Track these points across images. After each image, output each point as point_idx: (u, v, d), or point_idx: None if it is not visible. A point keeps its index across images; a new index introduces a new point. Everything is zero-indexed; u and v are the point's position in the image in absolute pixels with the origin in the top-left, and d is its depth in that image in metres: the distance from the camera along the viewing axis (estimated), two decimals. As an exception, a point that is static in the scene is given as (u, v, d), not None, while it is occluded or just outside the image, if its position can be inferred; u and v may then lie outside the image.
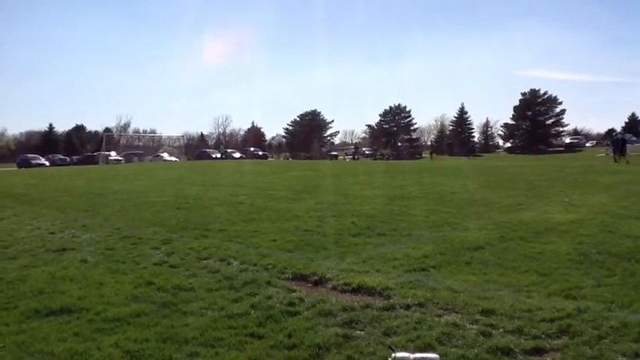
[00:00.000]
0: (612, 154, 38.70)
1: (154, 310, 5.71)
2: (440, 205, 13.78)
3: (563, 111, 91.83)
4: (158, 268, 7.55)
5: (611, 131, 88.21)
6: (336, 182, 22.22)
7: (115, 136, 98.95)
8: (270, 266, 7.43)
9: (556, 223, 10.51)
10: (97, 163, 63.52)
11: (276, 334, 4.93)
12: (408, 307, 5.69)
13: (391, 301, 5.88)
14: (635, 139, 75.08)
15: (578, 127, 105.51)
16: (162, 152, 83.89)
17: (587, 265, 7.26)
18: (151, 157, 77.53)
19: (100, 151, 73.10)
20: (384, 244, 8.91)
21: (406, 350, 4.49)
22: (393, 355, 4.34)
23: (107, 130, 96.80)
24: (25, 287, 6.68)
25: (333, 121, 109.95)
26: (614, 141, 42.18)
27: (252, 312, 5.58)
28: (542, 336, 4.84)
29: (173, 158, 76.54)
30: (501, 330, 5.01)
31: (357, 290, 6.34)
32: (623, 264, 7.22)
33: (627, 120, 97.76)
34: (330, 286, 6.58)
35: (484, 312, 5.46)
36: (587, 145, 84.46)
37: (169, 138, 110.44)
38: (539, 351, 4.56)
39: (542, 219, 11.16)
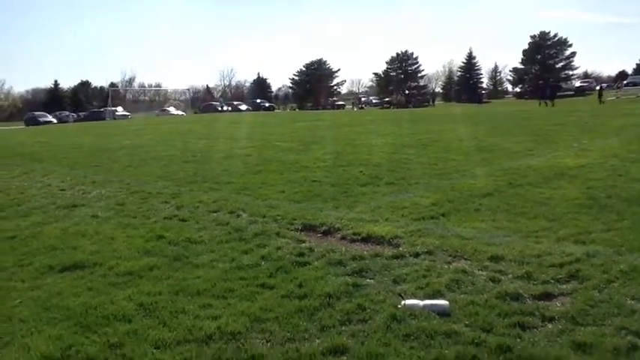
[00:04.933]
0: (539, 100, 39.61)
1: (166, 263, 5.77)
2: (448, 152, 13.71)
3: (573, 54, 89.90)
4: (168, 222, 7.61)
5: (622, 74, 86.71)
6: (343, 132, 22.11)
7: (121, 91, 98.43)
8: (279, 217, 7.46)
9: (565, 168, 10.45)
10: (103, 119, 63.43)
11: (287, 285, 4.98)
12: (417, 255, 5.72)
13: (400, 249, 5.91)
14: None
15: (588, 71, 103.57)
16: (169, 106, 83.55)
17: (596, 209, 7.24)
18: (157, 111, 77.22)
19: (106, 106, 72.85)
20: (393, 193, 8.91)
21: (416, 297, 4.54)
22: (403, 302, 4.40)
23: (112, 85, 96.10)
24: (38, 244, 6.76)
25: (339, 70, 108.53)
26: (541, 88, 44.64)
27: (263, 263, 5.63)
28: (551, 281, 4.87)
29: (179, 112, 76.25)
30: (510, 276, 5.04)
31: (367, 239, 6.37)
32: (633, 208, 7.20)
33: (638, 62, 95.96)
34: (339, 235, 6.62)
35: (493, 258, 5.48)
36: (597, 88, 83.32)
37: (175, 92, 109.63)
38: (547, 296, 4.59)
39: (552, 164, 11.09)
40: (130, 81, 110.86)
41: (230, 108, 76.54)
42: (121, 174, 12.51)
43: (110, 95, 76.76)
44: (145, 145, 19.40)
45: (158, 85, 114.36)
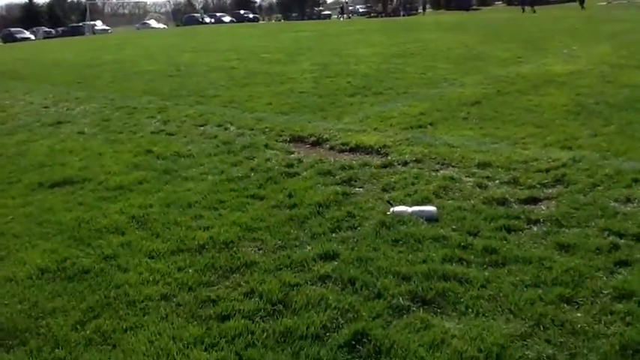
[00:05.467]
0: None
1: (155, 177, 5.78)
2: (436, 61, 13.52)
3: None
4: (156, 137, 7.56)
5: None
6: (329, 43, 21.65)
7: (99, 4, 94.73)
8: (267, 129, 7.43)
9: (554, 75, 10.37)
10: (83, 34, 61.42)
11: (277, 195, 5.03)
12: (405, 163, 5.76)
13: (389, 158, 5.94)
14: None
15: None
16: (149, 19, 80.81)
17: (584, 115, 7.26)
18: (137, 25, 74.77)
19: (84, 21, 70.36)
20: (381, 102, 8.85)
21: (404, 204, 4.61)
22: (392, 209, 4.47)
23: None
24: (25, 161, 6.72)
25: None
26: None
27: (252, 174, 5.65)
28: (537, 186, 4.94)
29: (161, 25, 73.88)
30: (497, 181, 5.10)
31: (355, 149, 6.38)
32: (621, 113, 7.22)
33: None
34: (327, 146, 6.62)
35: (480, 165, 5.53)
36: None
37: (155, 4, 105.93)
38: (534, 200, 4.67)
39: (541, 71, 11.00)
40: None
41: (213, 20, 74.26)
42: (104, 90, 12.29)
43: (88, 9, 73.93)
44: (127, 60, 18.96)
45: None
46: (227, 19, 74.28)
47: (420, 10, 65.43)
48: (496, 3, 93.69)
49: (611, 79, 9.59)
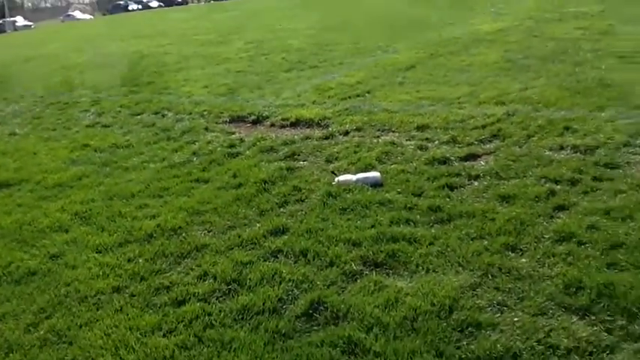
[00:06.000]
0: None
1: (95, 170, 5.64)
2: (369, 30, 13.58)
3: None
4: (91, 130, 7.35)
5: None
6: (262, 19, 21.38)
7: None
8: (205, 113, 7.33)
9: (484, 34, 10.60)
10: (4, 31, 58.53)
11: (221, 176, 4.99)
12: (346, 133, 5.81)
13: (330, 129, 5.97)
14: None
15: None
16: (74, 10, 77.70)
17: (514, 70, 7.47)
18: (61, 17, 71.79)
19: (4, 18, 67.01)
20: (318, 75, 8.85)
21: (349, 173, 4.66)
22: (337, 178, 4.51)
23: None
24: (-46, 167, 6.43)
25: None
26: None
27: (195, 159, 5.59)
28: (475, 142, 5.08)
29: (87, 16, 71.17)
30: (437, 142, 5.22)
31: (296, 124, 6.38)
32: (548, 65, 7.47)
33: None
34: (268, 123, 6.60)
35: (419, 128, 5.64)
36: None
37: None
38: (473, 156, 4.81)
39: (470, 31, 11.21)
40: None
41: (140, 6, 72.03)
42: (32, 87, 11.78)
43: (6, 5, 70.38)
44: (54, 55, 18.20)
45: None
46: (155, 4, 72.14)
47: None
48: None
49: (538, 34, 9.88)
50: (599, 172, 4.21)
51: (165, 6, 42.15)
